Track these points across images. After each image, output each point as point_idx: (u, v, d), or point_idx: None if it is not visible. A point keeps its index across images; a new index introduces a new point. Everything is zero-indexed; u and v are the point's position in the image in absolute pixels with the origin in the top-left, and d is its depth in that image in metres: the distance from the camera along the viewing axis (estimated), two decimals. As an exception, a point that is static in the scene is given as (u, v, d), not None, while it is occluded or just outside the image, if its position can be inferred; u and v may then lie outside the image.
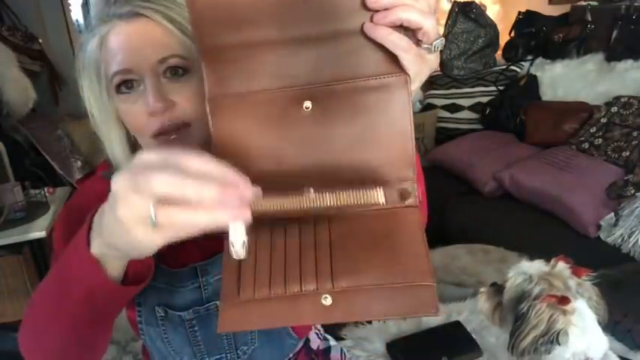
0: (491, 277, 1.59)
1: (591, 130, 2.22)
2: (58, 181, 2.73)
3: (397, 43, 0.43)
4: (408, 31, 0.44)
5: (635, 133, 2.06)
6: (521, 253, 1.72)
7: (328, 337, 0.91)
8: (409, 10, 0.42)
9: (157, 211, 0.35)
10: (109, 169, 0.67)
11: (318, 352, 0.86)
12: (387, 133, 0.46)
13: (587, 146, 2.20)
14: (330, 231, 0.46)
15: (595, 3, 2.59)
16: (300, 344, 0.80)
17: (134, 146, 0.65)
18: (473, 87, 2.92)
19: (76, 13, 3.42)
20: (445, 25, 3.01)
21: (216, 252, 0.66)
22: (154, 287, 0.64)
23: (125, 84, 0.58)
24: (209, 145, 0.47)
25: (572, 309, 0.85)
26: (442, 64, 2.96)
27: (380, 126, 0.46)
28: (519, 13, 2.90)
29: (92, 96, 0.61)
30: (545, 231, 1.99)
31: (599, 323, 0.89)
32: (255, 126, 0.47)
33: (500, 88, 2.80)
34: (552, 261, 0.93)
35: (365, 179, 0.46)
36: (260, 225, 0.44)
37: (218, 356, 0.72)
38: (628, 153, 2.04)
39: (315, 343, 0.86)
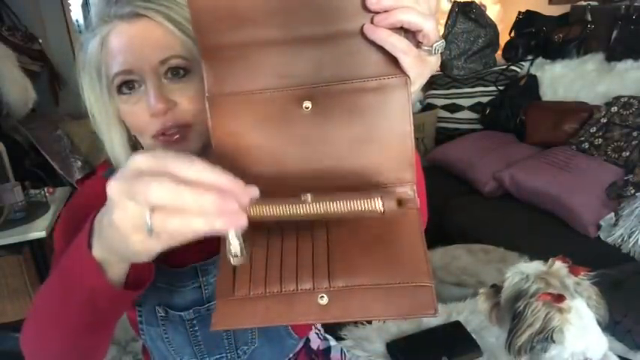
0: (491, 277, 1.59)
1: (591, 130, 2.22)
2: (58, 181, 2.73)
3: (397, 45, 0.43)
4: (409, 33, 0.44)
5: (635, 133, 2.06)
6: (521, 253, 1.72)
7: (328, 337, 0.91)
8: (409, 12, 0.42)
9: (152, 218, 0.34)
10: (109, 169, 0.67)
11: (318, 352, 0.86)
12: (387, 134, 0.46)
13: (587, 146, 2.20)
14: (328, 230, 0.46)
15: (595, 3, 2.59)
16: (301, 344, 0.80)
17: (135, 146, 0.65)
18: (473, 87, 2.92)
19: (76, 13, 3.41)
20: (445, 25, 3.01)
21: (216, 252, 0.66)
22: (155, 287, 0.64)
23: (126, 85, 0.58)
24: (210, 146, 0.47)
25: (567, 307, 0.85)
26: (442, 64, 2.96)
27: (379, 127, 0.46)
28: (519, 13, 2.89)
29: (93, 96, 0.61)
30: (545, 231, 1.99)
31: (600, 323, 0.89)
32: (255, 125, 0.46)
33: (500, 88, 2.80)
34: (550, 260, 0.94)
35: (364, 180, 0.46)
36: (257, 223, 0.44)
37: (218, 356, 0.72)
38: (628, 153, 2.04)
39: (316, 343, 0.86)
